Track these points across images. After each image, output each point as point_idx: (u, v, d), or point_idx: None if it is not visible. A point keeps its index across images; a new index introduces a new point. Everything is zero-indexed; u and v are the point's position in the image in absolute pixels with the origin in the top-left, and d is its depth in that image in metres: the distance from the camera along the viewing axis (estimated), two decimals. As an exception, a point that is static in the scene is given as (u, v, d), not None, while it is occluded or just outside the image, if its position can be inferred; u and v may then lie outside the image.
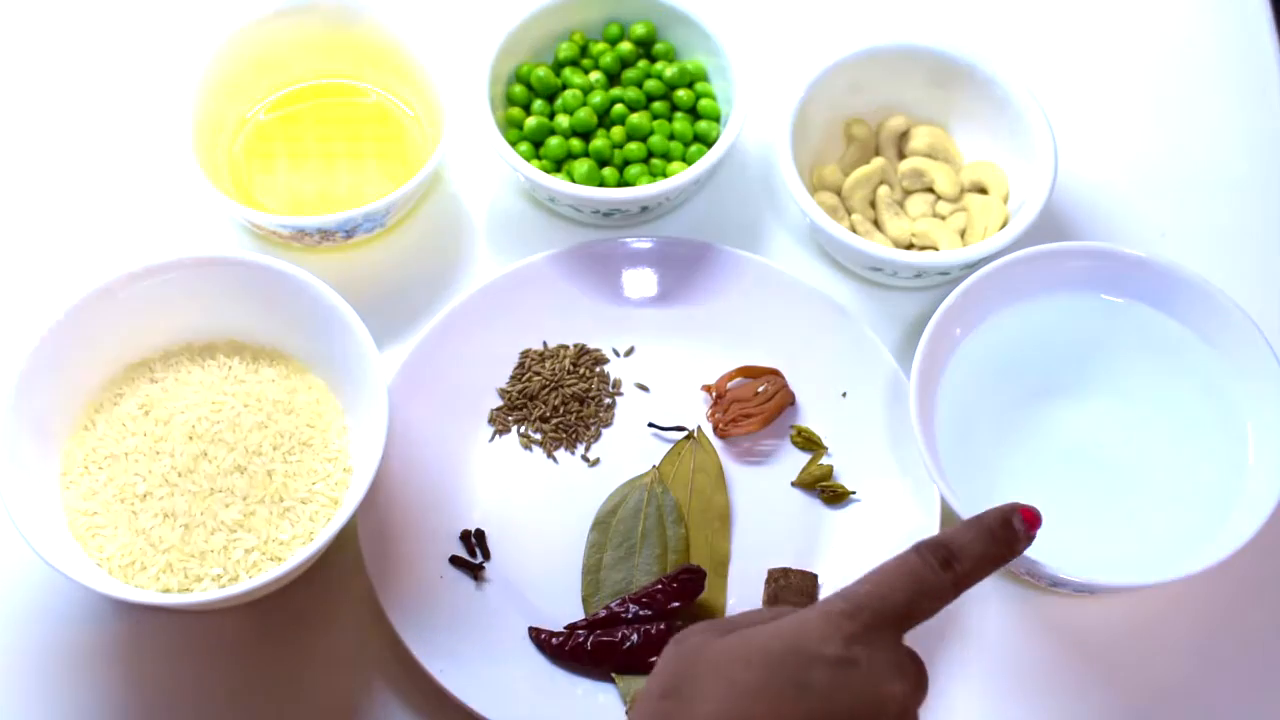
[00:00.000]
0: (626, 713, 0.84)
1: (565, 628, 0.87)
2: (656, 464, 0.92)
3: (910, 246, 0.97)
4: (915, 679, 0.68)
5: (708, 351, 0.95)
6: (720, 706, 0.66)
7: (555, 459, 0.93)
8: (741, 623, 0.70)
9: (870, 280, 0.98)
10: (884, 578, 0.69)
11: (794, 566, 0.87)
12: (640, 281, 0.97)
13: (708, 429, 0.93)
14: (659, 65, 1.01)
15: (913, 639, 0.69)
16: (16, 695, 0.87)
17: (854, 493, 0.91)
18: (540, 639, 0.87)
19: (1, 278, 0.99)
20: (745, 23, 1.02)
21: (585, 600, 0.89)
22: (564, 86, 1.01)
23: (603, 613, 0.87)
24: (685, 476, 0.92)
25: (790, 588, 0.85)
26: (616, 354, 0.96)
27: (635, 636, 0.85)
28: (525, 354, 0.96)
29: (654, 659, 0.84)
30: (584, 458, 0.93)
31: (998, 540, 0.71)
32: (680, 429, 0.93)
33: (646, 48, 1.02)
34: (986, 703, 0.86)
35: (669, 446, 0.93)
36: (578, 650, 0.86)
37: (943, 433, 0.88)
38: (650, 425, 0.94)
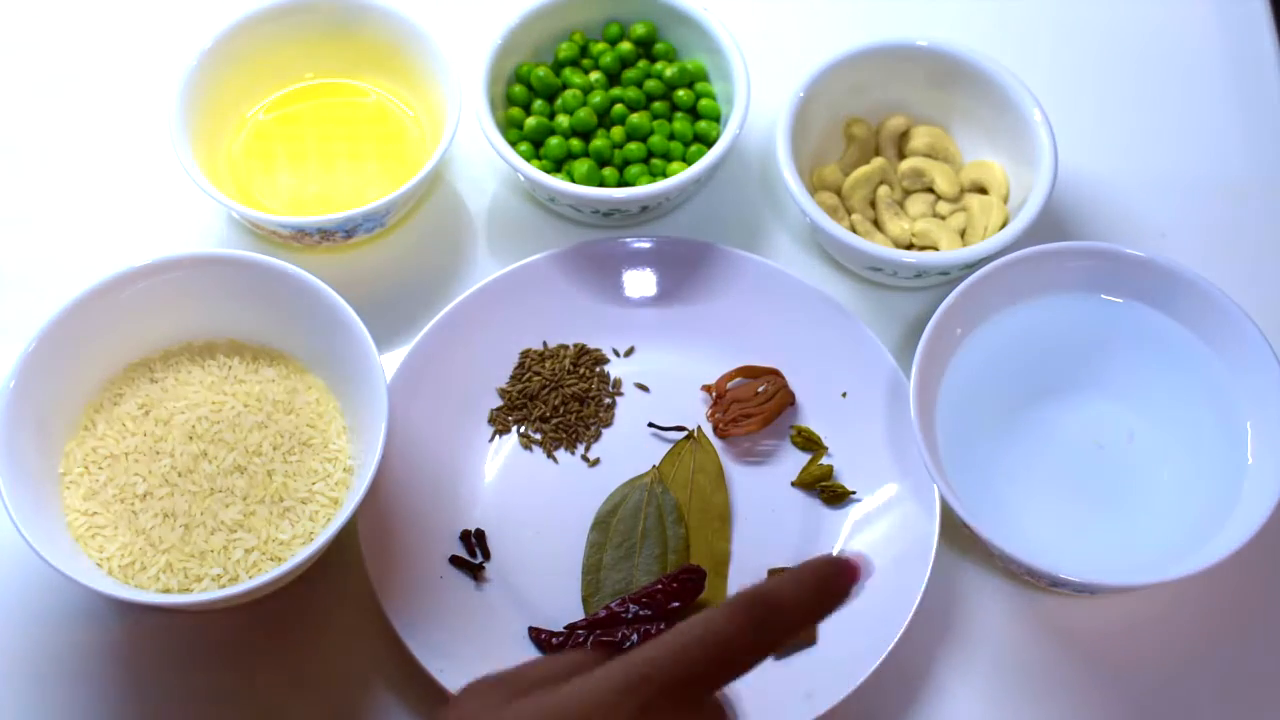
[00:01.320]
0: None
1: (565, 628, 0.87)
2: (656, 464, 0.92)
3: (910, 246, 0.97)
4: None
5: (708, 351, 0.95)
6: None
7: (555, 459, 0.93)
8: (530, 676, 0.63)
9: (870, 280, 0.98)
10: (682, 641, 0.61)
11: (794, 567, 0.87)
12: (640, 281, 0.97)
13: (708, 429, 0.93)
14: (659, 65, 1.01)
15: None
16: (16, 695, 0.87)
17: (854, 493, 0.91)
18: (540, 639, 0.87)
19: (2, 277, 1.00)
20: (745, 23, 1.02)
21: (585, 600, 0.88)
22: (564, 86, 1.01)
23: (603, 613, 0.87)
24: (685, 476, 0.92)
25: (790, 588, 0.85)
26: (616, 354, 0.96)
27: (635, 636, 0.85)
28: (525, 354, 0.96)
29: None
30: (584, 458, 0.93)
31: (819, 596, 0.63)
32: (680, 429, 0.93)
33: (646, 48, 1.02)
34: (986, 703, 0.86)
35: (669, 446, 0.93)
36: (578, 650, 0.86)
37: (943, 433, 0.88)
38: (650, 425, 0.94)
